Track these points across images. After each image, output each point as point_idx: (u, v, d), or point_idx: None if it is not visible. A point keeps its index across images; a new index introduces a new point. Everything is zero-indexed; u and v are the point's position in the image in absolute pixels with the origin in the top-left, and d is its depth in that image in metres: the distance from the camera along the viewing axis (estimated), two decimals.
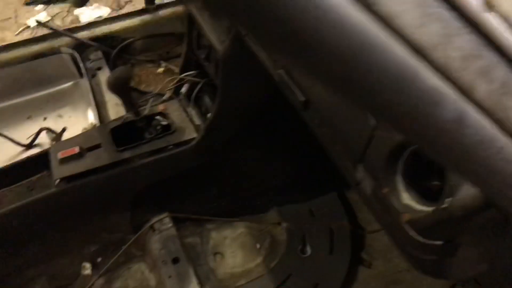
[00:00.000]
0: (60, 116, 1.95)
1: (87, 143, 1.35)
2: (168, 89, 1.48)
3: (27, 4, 3.32)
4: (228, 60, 1.15)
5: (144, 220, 1.43)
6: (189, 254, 1.36)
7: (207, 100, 1.43)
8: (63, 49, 2.00)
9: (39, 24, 2.00)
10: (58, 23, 3.11)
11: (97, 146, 1.34)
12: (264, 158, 1.42)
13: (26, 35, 3.03)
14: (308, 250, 1.41)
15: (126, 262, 1.42)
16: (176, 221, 1.43)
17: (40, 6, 3.27)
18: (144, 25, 2.11)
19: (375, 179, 0.69)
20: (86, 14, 3.19)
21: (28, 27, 3.13)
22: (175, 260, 1.33)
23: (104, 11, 3.11)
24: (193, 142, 1.34)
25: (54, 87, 2.03)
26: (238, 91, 1.23)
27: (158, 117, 1.41)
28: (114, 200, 1.37)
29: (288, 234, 1.44)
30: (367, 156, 0.69)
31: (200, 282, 1.28)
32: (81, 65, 1.91)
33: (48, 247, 1.38)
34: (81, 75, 1.95)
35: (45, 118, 1.94)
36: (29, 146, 1.83)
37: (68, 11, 3.18)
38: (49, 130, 1.83)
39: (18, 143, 1.81)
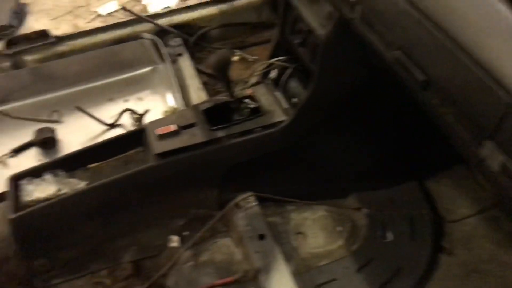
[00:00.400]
0: (140, 98, 2.04)
1: (181, 122, 1.42)
2: (256, 74, 1.53)
3: None
4: (329, 44, 1.19)
5: (229, 198, 1.49)
6: (273, 232, 1.41)
7: (293, 85, 1.47)
8: (145, 35, 2.09)
9: (124, 9, 2.08)
10: (127, 12, 3.24)
11: (191, 125, 1.41)
12: (348, 143, 1.45)
13: (97, 23, 3.17)
14: (389, 235, 1.44)
15: (211, 236, 1.48)
16: (259, 201, 1.48)
17: None
18: (220, 14, 2.18)
19: (508, 154, 0.71)
20: (154, 4, 3.30)
21: (99, 15, 3.27)
22: (261, 237, 1.38)
23: (171, 1, 3.21)
24: (282, 125, 1.38)
25: (134, 71, 2.13)
26: (334, 75, 1.27)
27: (246, 100, 1.47)
28: (204, 177, 1.44)
29: (368, 220, 1.47)
30: (500, 132, 0.72)
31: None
32: (164, 50, 1.99)
33: (140, 218, 1.46)
34: (162, 60, 2.03)
35: (126, 100, 2.04)
36: (112, 125, 1.93)
37: (136, 0, 3.31)
38: (131, 111, 1.92)
39: (103, 122, 1.91)
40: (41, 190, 1.37)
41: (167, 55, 1.98)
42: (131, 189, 1.38)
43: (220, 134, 1.38)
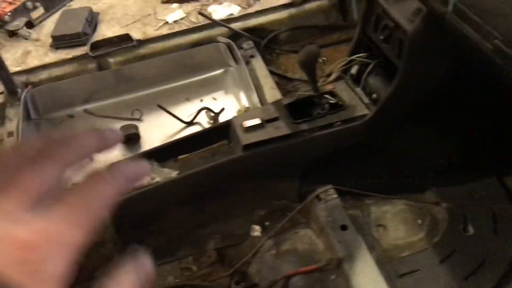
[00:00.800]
0: (214, 99, 2.14)
1: (265, 116, 1.49)
2: (336, 71, 1.59)
3: (164, 2, 3.62)
4: (416, 40, 1.23)
5: (309, 190, 1.54)
6: (354, 224, 1.44)
7: (373, 81, 1.51)
8: (220, 38, 2.19)
9: (200, 14, 2.19)
10: (193, 20, 3.38)
11: (275, 119, 1.48)
12: (429, 137, 1.48)
13: (165, 30, 3.33)
14: (471, 229, 1.45)
15: (291, 227, 1.54)
16: (338, 193, 1.52)
17: (175, 4, 3.57)
18: (290, 18, 2.25)
19: None
20: (218, 12, 3.44)
21: (167, 22, 3.43)
22: (344, 227, 1.42)
23: (235, 9, 3.33)
24: (365, 118, 1.43)
25: (209, 72, 2.24)
26: (420, 70, 1.30)
27: (327, 95, 1.52)
28: (286, 169, 1.50)
29: (448, 214, 1.49)
30: None
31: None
32: (238, 53, 2.08)
33: (225, 208, 1.53)
34: (234, 62, 2.13)
35: (201, 100, 2.14)
36: (190, 123, 2.04)
37: (201, 9, 3.45)
38: (208, 109, 2.02)
39: (181, 120, 2.02)
40: None
41: (241, 57, 2.06)
42: (220, 178, 1.46)
43: (303, 127, 1.44)
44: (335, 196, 1.51)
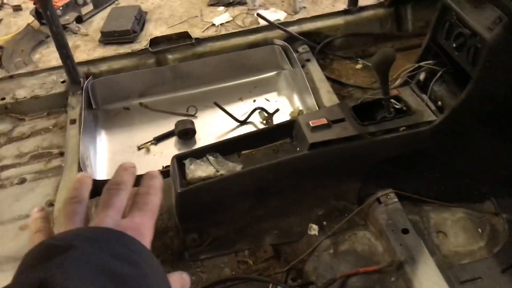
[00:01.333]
0: (267, 100, 2.17)
1: (331, 116, 1.52)
2: (402, 76, 1.61)
3: (211, 5, 3.70)
4: (496, 48, 1.25)
5: (368, 192, 1.56)
6: (415, 228, 1.45)
7: (440, 88, 1.53)
8: (277, 41, 2.23)
9: (259, 16, 2.24)
10: (239, 23, 3.44)
11: (341, 120, 1.50)
12: (494, 147, 1.48)
13: (211, 32, 3.39)
14: None
15: (349, 228, 1.56)
16: (399, 198, 1.54)
17: (221, 8, 3.65)
18: (345, 24, 2.28)
19: None
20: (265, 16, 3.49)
21: (213, 25, 3.50)
22: (405, 231, 1.44)
23: (281, 15, 3.38)
24: (433, 124, 1.44)
25: (262, 74, 2.28)
26: (495, 79, 1.31)
27: (392, 100, 1.54)
28: (349, 170, 1.52)
29: (508, 225, 1.49)
30: None
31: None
32: (295, 55, 2.12)
33: (285, 204, 1.56)
34: (288, 65, 2.16)
35: (254, 101, 2.18)
36: (244, 122, 2.07)
37: (247, 13, 3.51)
38: (262, 109, 2.05)
39: (236, 119, 2.06)
40: (202, 170, 1.51)
41: (297, 60, 2.10)
42: (284, 175, 1.48)
43: (370, 129, 1.46)
44: (396, 200, 1.53)
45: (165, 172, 1.68)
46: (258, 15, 2.23)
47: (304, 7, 3.42)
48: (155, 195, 0.58)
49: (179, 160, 1.54)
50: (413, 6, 2.29)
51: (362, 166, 1.52)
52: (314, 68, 2.10)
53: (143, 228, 0.52)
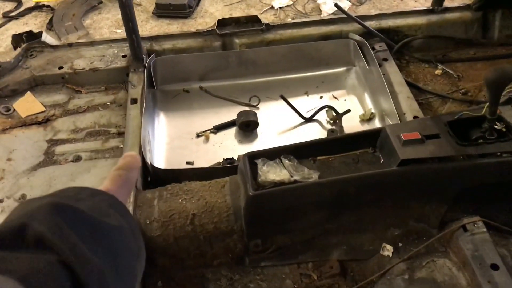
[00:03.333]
0: (335, 97, 2.03)
1: (423, 130, 1.37)
2: (505, 94, 1.45)
3: None
4: None
5: (453, 218, 1.43)
6: (504, 264, 1.32)
7: None
8: (352, 35, 2.07)
9: (337, 7, 2.08)
10: (299, 9, 3.28)
11: (435, 136, 1.36)
12: None
13: (269, 16, 3.25)
14: None
15: (427, 253, 1.43)
16: (487, 227, 1.40)
17: None
18: (427, 25, 2.11)
19: None
20: (328, 5, 3.31)
21: (272, 7, 3.34)
22: (494, 267, 1.30)
23: (345, 4, 3.20)
24: None
25: (332, 68, 2.13)
26: None
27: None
28: (438, 192, 1.38)
29: None
30: None
31: None
32: (371, 53, 1.96)
33: (359, 219, 1.43)
34: (366, 62, 2.00)
35: (321, 97, 2.04)
36: (309, 119, 1.94)
37: None
38: (330, 108, 1.91)
39: (301, 115, 1.93)
40: (275, 173, 1.39)
41: (374, 58, 1.94)
42: (366, 189, 1.36)
43: (469, 151, 1.32)
44: (484, 230, 1.39)
45: (225, 168, 1.58)
46: (336, 5, 2.07)
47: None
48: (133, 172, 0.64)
49: (251, 158, 1.42)
50: (503, 12, 2.10)
51: (452, 190, 1.38)
52: (392, 69, 1.94)
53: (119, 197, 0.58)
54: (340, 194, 1.36)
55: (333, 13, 2.96)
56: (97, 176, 1.57)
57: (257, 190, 1.34)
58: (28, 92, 1.91)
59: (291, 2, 3.27)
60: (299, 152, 1.45)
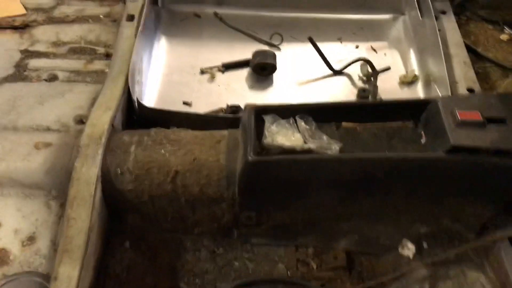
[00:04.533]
0: (373, 49, 1.68)
1: (486, 111, 1.05)
2: None
3: None
4: None
5: (499, 225, 1.13)
6: None
7: None
8: None
9: None
10: None
11: (500, 120, 1.04)
12: None
13: None
14: None
15: (457, 261, 1.15)
16: None
17: None
18: None
19: None
20: None
21: None
22: None
23: None
24: None
25: (374, 14, 1.77)
26: None
27: None
28: (489, 192, 1.08)
29: None
30: None
31: None
32: (428, 1, 1.59)
33: (379, 207, 1.15)
34: (420, 11, 1.63)
35: (357, 46, 1.69)
36: (338, 72, 1.61)
37: None
38: (367, 62, 1.57)
39: (330, 67, 1.59)
40: (286, 136, 1.09)
41: (431, 8, 1.57)
42: (398, 175, 1.06)
43: None
44: None
45: (227, 119, 1.29)
46: None
47: None
48: None
49: (257, 114, 1.12)
50: None
51: (509, 193, 1.07)
52: (450, 25, 1.58)
53: None
54: (363, 176, 1.07)
55: None
56: (70, 103, 1.28)
57: (259, 155, 1.06)
58: None
59: None
60: (320, 114, 1.15)
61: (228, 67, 1.59)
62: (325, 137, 1.10)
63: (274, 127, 1.10)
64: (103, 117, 1.18)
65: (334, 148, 1.08)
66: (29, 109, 1.27)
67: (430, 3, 1.59)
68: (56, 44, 1.47)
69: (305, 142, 1.09)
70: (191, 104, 1.48)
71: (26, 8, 1.56)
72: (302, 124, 1.11)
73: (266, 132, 1.09)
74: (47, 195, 1.12)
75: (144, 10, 1.48)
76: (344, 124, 1.16)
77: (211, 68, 1.57)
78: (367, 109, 1.17)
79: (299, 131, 1.11)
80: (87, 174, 1.08)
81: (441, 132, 1.03)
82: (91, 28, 1.52)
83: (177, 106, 1.46)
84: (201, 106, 1.47)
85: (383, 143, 1.12)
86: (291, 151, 1.08)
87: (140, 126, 1.30)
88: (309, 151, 1.08)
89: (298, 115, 1.12)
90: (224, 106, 1.45)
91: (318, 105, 1.19)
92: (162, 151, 1.13)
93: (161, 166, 1.11)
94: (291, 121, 1.12)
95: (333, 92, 1.55)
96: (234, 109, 1.44)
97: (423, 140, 1.12)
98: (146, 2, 1.50)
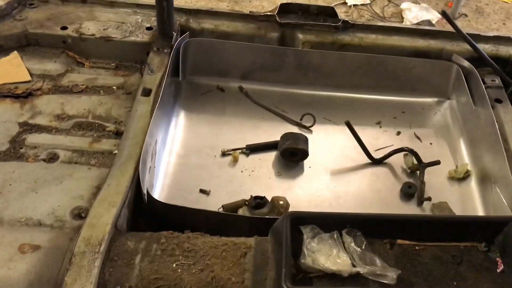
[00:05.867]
0: (417, 137, 1.49)
1: None
2: None
3: None
4: None
5: None
6: None
7: None
8: (456, 58, 1.52)
9: (444, 16, 1.53)
10: (377, 11, 2.71)
11: None
12: None
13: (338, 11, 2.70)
14: None
15: None
16: None
17: None
18: None
19: None
20: (413, 12, 2.71)
21: (345, 3, 2.78)
22: None
23: (433, 15, 2.61)
24: None
25: (418, 97, 1.59)
26: None
27: None
28: None
29: None
30: None
31: None
32: (482, 87, 1.41)
33: None
34: (471, 97, 1.45)
35: (398, 133, 1.50)
36: (378, 161, 1.41)
37: (390, 1, 2.76)
38: (411, 152, 1.37)
39: (369, 155, 1.40)
40: (330, 256, 0.87)
41: (486, 95, 1.39)
42: None
43: None
44: None
45: (252, 220, 1.08)
46: (444, 14, 1.52)
47: (465, 15, 2.63)
48: None
49: (294, 222, 0.90)
50: None
51: None
52: (508, 116, 1.40)
53: None
54: None
55: (418, 24, 2.37)
56: (69, 192, 1.08)
57: (296, 282, 0.83)
58: (15, 51, 1.44)
59: (368, 1, 2.70)
60: (370, 227, 0.93)
61: (253, 149, 1.40)
62: (378, 261, 0.88)
63: (314, 244, 0.89)
64: (105, 215, 0.97)
65: (390, 276, 0.86)
66: (20, 197, 1.08)
67: (484, 89, 1.41)
68: (60, 117, 1.30)
69: (353, 265, 0.87)
70: (210, 192, 1.28)
71: (31, 75, 1.40)
72: (349, 241, 0.89)
73: (305, 250, 0.88)
74: None
75: (164, 81, 1.31)
76: (400, 241, 0.94)
77: (234, 150, 1.38)
78: (428, 224, 0.95)
79: (345, 250, 0.89)
80: None
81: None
82: (101, 101, 1.35)
83: (193, 195, 1.26)
84: (221, 195, 1.27)
85: (449, 270, 0.90)
86: (335, 276, 0.85)
87: (150, 220, 1.10)
88: (357, 277, 0.86)
89: (345, 230, 0.91)
90: (248, 196, 1.24)
91: (367, 216, 0.98)
92: (174, 265, 0.92)
93: (172, 286, 0.89)
94: (335, 235, 0.91)
95: (373, 185, 1.36)
96: (259, 201, 1.23)
97: (499, 269, 0.89)
98: (167, 73, 1.34)
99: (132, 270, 0.91)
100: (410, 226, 0.95)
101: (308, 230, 0.91)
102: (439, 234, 0.95)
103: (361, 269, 0.87)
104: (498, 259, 0.91)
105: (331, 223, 0.92)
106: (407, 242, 0.94)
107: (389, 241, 0.94)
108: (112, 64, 1.48)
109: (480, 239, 0.94)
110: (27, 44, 1.47)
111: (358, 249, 0.90)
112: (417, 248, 0.94)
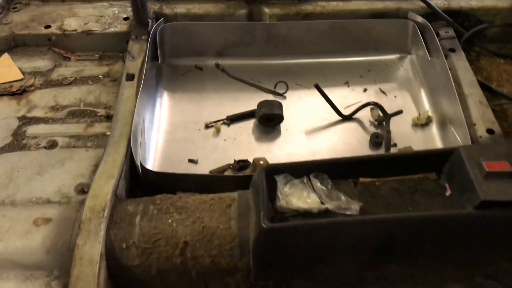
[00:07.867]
0: (382, 92, 1.62)
1: None
2: None
3: None
4: None
5: None
6: None
7: None
8: (412, 15, 1.65)
9: None
10: None
11: None
12: None
13: None
14: None
15: None
16: None
17: None
18: (510, 9, 1.66)
19: None
20: None
21: None
22: None
23: None
24: None
25: (381, 55, 1.72)
26: None
27: None
28: None
29: None
30: None
31: None
32: (436, 39, 1.54)
33: (409, 270, 1.06)
34: (428, 50, 1.58)
35: (365, 90, 1.63)
36: (347, 117, 1.55)
37: None
38: (377, 106, 1.51)
39: (339, 113, 1.53)
40: (301, 197, 1.01)
41: (439, 47, 1.52)
42: (426, 234, 0.98)
43: None
44: None
45: (236, 178, 1.22)
46: None
47: None
48: None
49: (268, 174, 1.04)
50: None
51: None
52: (460, 63, 1.52)
53: None
54: (388, 238, 0.98)
55: None
56: (71, 172, 1.22)
57: (273, 221, 0.98)
58: (6, 53, 1.56)
59: None
60: (335, 170, 1.07)
61: (233, 119, 1.53)
62: (343, 197, 1.02)
63: (287, 188, 1.03)
64: (105, 187, 1.11)
65: (354, 208, 1.00)
66: (28, 181, 1.21)
67: (438, 41, 1.54)
68: (54, 108, 1.43)
69: (322, 203, 1.01)
70: (197, 161, 1.41)
71: (23, 73, 1.52)
72: (317, 183, 1.03)
73: (279, 195, 1.02)
74: (48, 275, 1.04)
75: (145, 66, 1.43)
76: (362, 179, 1.08)
77: (216, 121, 1.51)
78: (385, 162, 1.09)
79: (315, 191, 1.03)
80: (90, 252, 1.00)
81: (468, 185, 0.95)
82: (90, 89, 1.48)
83: (183, 165, 1.40)
84: (208, 163, 1.40)
85: (406, 198, 1.04)
86: (307, 213, 1.00)
87: (145, 190, 1.23)
88: (326, 212, 1.00)
89: (313, 173, 1.05)
90: (232, 161, 1.38)
91: (332, 160, 1.11)
92: (170, 220, 1.06)
93: (169, 237, 1.03)
94: (305, 180, 1.05)
95: (344, 139, 1.49)
96: (242, 164, 1.38)
97: (448, 193, 1.04)
98: (146, 58, 1.46)
99: (134, 228, 1.05)
100: (370, 165, 1.09)
101: (281, 178, 1.05)
102: (396, 170, 1.09)
103: (329, 205, 1.01)
104: (446, 184, 1.05)
105: (301, 170, 1.06)
106: (369, 179, 1.08)
107: (352, 180, 1.09)
108: (96, 56, 1.60)
109: (431, 169, 1.08)
110: (15, 46, 1.59)
111: (325, 188, 1.04)
112: (377, 183, 1.08)
